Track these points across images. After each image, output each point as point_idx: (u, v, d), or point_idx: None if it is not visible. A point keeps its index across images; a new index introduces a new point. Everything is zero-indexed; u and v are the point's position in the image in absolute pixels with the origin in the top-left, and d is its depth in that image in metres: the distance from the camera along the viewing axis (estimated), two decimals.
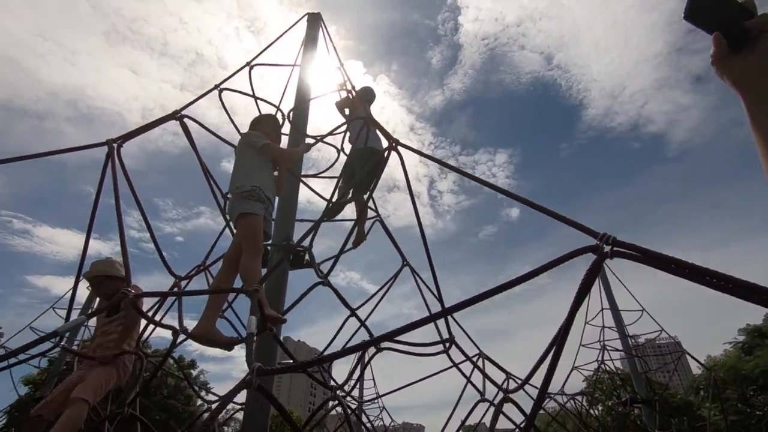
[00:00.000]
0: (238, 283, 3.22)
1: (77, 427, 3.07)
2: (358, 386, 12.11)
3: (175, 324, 3.63)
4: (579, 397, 10.07)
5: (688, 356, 11.79)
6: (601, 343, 11.08)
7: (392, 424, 14.60)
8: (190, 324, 3.63)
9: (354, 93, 5.85)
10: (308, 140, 4.89)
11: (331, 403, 4.67)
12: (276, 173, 3.91)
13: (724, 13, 0.96)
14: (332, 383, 4.15)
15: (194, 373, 31.13)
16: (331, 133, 5.19)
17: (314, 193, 5.53)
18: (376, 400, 12.67)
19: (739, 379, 19.67)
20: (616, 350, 11.02)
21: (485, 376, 4.30)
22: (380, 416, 14.01)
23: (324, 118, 6.20)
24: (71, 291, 3.46)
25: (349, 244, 5.21)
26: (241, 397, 4.34)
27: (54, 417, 3.16)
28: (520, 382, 3.53)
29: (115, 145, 3.23)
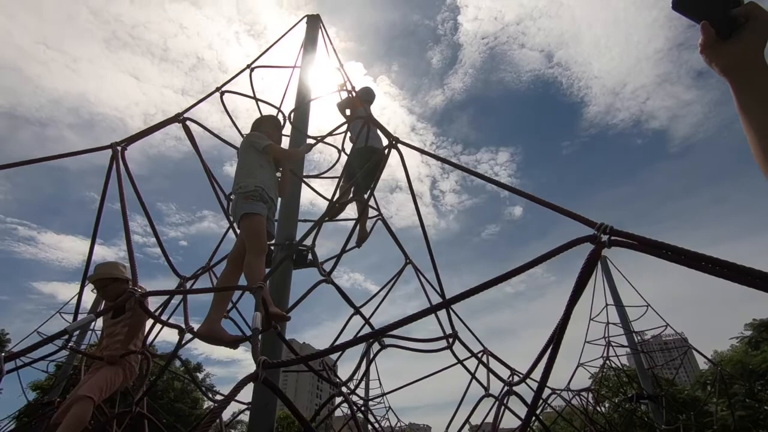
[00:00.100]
0: (242, 282, 3.27)
1: (82, 425, 3.09)
2: (363, 385, 12.15)
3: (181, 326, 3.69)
4: (585, 394, 10.05)
5: (694, 352, 11.76)
6: (606, 340, 11.07)
7: (398, 424, 14.61)
8: (195, 326, 3.69)
9: (354, 93, 5.89)
10: (309, 141, 4.93)
11: (337, 400, 4.70)
12: (279, 174, 3.96)
13: (712, 3, 0.99)
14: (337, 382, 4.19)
15: (200, 376, 31.20)
16: (331, 134, 5.23)
17: (316, 194, 5.57)
18: (382, 401, 12.71)
19: (747, 374, 19.56)
20: (622, 346, 11.00)
21: (489, 370, 4.32)
22: (386, 416, 14.03)
23: (325, 118, 6.24)
24: (77, 295, 3.52)
25: (353, 244, 5.26)
26: (248, 396, 4.37)
27: None
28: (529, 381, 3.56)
29: (119, 148, 3.28)
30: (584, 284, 1.84)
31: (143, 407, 3.83)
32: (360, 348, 5.00)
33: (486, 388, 4.36)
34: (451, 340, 4.23)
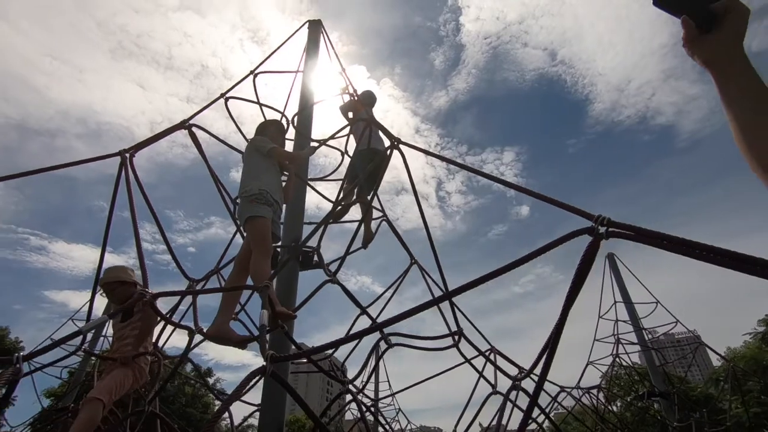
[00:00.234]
0: (249, 283, 3.32)
1: (92, 426, 3.08)
2: (373, 387, 12.16)
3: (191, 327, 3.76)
4: (594, 391, 10.00)
5: (707, 349, 11.65)
6: (616, 337, 11.00)
7: (409, 426, 14.59)
8: (205, 328, 3.74)
9: (356, 96, 5.96)
10: (312, 144, 5.00)
11: (346, 400, 4.74)
12: (285, 177, 4.02)
13: None
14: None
15: (210, 380, 31.40)
16: (333, 137, 5.30)
17: (321, 197, 5.65)
18: (392, 402, 12.71)
19: (761, 371, 19.26)
20: (631, 343, 10.93)
21: (497, 368, 4.34)
22: (396, 418, 14.02)
23: (328, 122, 6.31)
24: (89, 302, 3.59)
25: (359, 244, 5.31)
26: (257, 398, 4.43)
27: None
28: (532, 375, 3.57)
29: (127, 155, 3.36)
30: (584, 276, 1.87)
31: (155, 408, 3.89)
32: (367, 349, 5.05)
33: (493, 386, 4.37)
34: (456, 337, 4.26)
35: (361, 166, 4.85)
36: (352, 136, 5.91)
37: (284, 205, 3.97)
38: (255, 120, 5.36)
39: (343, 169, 6.02)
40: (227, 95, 5.18)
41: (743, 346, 23.88)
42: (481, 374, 4.74)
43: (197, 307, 3.68)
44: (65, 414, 6.58)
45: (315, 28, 6.18)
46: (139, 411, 3.80)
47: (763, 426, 16.11)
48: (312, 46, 5.97)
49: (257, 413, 4.55)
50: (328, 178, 6.17)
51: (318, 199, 5.62)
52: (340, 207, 5.01)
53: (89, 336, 6.12)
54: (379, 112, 5.87)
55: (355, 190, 5.22)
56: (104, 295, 3.94)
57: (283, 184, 3.96)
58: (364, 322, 4.87)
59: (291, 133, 5.52)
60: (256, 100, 5.85)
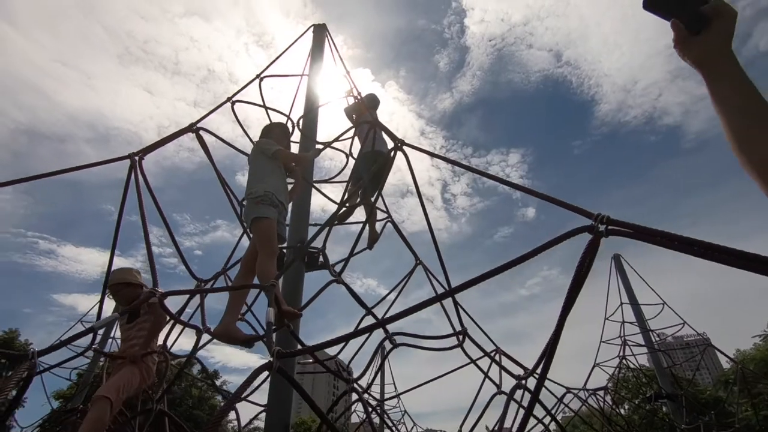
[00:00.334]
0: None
1: (102, 425, 3.07)
2: (378, 388, 12.19)
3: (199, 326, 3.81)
4: (601, 393, 9.94)
5: (717, 351, 11.54)
6: (622, 339, 10.93)
7: (414, 428, 14.57)
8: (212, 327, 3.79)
9: (361, 98, 6.02)
10: (317, 146, 5.06)
11: (352, 400, 4.77)
12: (290, 179, 4.08)
13: (681, 1, 1.06)
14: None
15: (217, 383, 31.55)
16: (337, 139, 5.36)
17: (326, 198, 5.70)
18: (397, 404, 12.70)
19: None
20: (638, 345, 10.86)
21: (502, 368, 4.36)
22: (402, 421, 14.01)
23: (333, 125, 6.39)
24: (99, 303, 3.65)
25: (365, 245, 5.36)
26: (262, 399, 4.48)
27: None
28: (536, 375, 3.59)
29: (137, 158, 3.43)
30: (585, 273, 1.90)
31: (164, 406, 3.94)
32: (372, 350, 5.08)
33: (498, 386, 4.39)
34: (461, 337, 4.29)
35: (365, 168, 4.90)
36: (356, 139, 5.97)
37: (290, 206, 4.03)
38: (261, 123, 5.44)
39: (347, 172, 6.08)
40: (234, 99, 5.25)
41: (753, 348, 23.63)
42: (486, 375, 4.76)
43: (205, 307, 3.74)
44: (74, 415, 6.66)
45: (320, 32, 6.26)
46: (147, 410, 3.85)
47: None
48: (317, 50, 6.05)
49: (263, 415, 4.61)
50: (333, 180, 6.23)
51: (323, 202, 5.69)
52: (344, 209, 5.07)
53: (98, 338, 6.20)
54: (384, 115, 5.96)
55: (360, 192, 5.28)
56: (110, 296, 4.00)
57: (289, 187, 4.03)
58: (370, 323, 4.91)
59: (296, 136, 5.60)
60: (262, 104, 5.92)
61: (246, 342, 3.16)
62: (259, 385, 4.11)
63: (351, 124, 5.90)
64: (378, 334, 5.02)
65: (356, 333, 1.90)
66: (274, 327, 2.25)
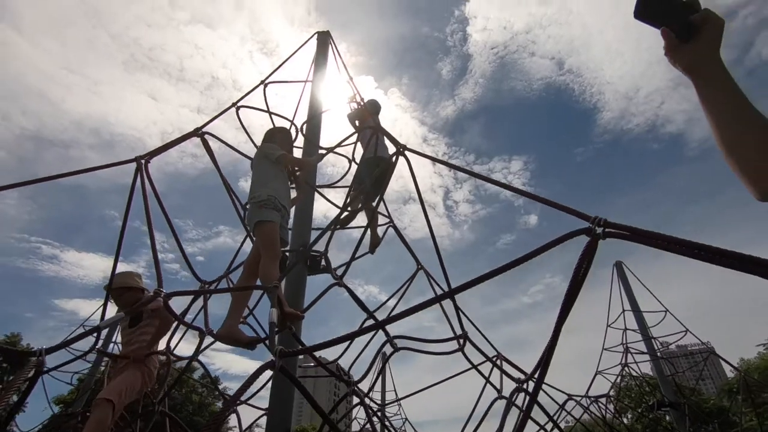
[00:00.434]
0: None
1: (104, 428, 3.05)
2: (378, 393, 12.14)
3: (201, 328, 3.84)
4: (603, 400, 9.88)
5: (721, 360, 11.47)
6: (624, 346, 10.89)
7: None
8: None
9: (363, 104, 6.10)
10: (321, 151, 5.13)
11: (353, 403, 4.78)
12: (293, 184, 4.14)
13: (671, 11, 1.10)
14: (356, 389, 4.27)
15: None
16: (339, 145, 5.42)
17: (329, 204, 5.75)
18: (398, 412, 12.64)
19: None
20: (640, 352, 10.81)
21: (503, 372, 4.37)
22: (404, 428, 13.93)
23: (336, 130, 6.45)
24: (102, 307, 3.67)
25: (367, 249, 5.39)
26: (263, 403, 4.48)
27: None
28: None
29: (143, 161, 3.49)
30: (583, 276, 1.93)
31: (165, 407, 3.96)
32: (374, 354, 5.10)
33: (499, 391, 4.39)
34: (462, 341, 4.30)
35: (368, 173, 4.95)
36: (359, 144, 6.03)
37: (292, 210, 4.07)
38: (264, 129, 5.51)
39: (350, 177, 6.13)
40: (239, 104, 5.33)
41: (757, 357, 23.42)
42: (487, 380, 4.76)
43: (208, 309, 3.77)
44: (75, 419, 6.66)
45: (324, 39, 6.35)
46: (149, 411, 3.87)
47: None
48: (320, 57, 6.13)
49: (263, 420, 4.62)
50: (336, 185, 6.28)
51: (325, 209, 5.75)
52: (347, 213, 5.11)
53: (101, 340, 6.23)
54: (386, 122, 6.02)
55: (362, 197, 5.32)
56: (113, 301, 4.01)
57: (292, 193, 4.08)
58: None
59: (299, 141, 5.66)
60: (266, 109, 6.00)
61: (248, 344, 3.18)
62: (261, 388, 4.12)
63: (354, 130, 5.96)
64: (379, 340, 5.05)
65: (357, 333, 1.92)
66: (276, 328, 2.28)
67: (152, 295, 2.64)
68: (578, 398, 9.13)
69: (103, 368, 10.64)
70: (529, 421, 4.28)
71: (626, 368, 10.93)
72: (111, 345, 10.70)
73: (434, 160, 3.45)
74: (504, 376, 4.58)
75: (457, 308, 4.26)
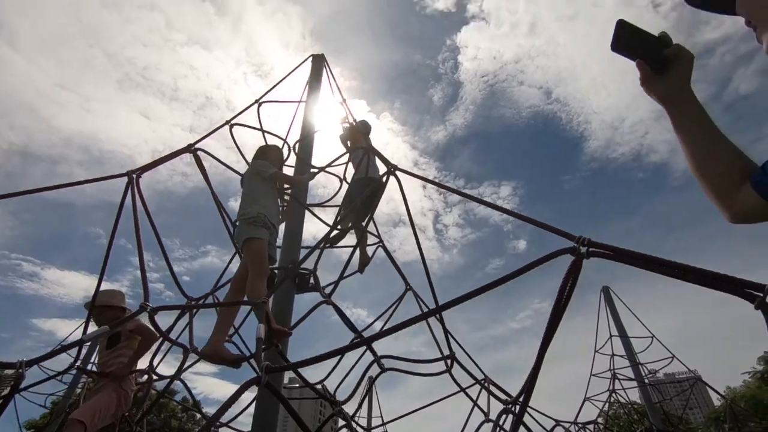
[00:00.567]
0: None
1: None
2: (365, 418, 11.84)
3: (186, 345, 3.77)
4: (590, 427, 9.78)
5: (708, 388, 11.50)
6: (612, 372, 10.87)
7: None
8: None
9: (355, 124, 6.21)
10: (312, 170, 5.17)
11: (340, 424, 4.68)
12: (283, 202, 4.16)
13: (646, 45, 1.19)
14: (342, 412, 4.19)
15: (197, 416, 30.34)
16: (331, 164, 5.48)
17: (320, 223, 5.76)
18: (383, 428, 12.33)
19: (762, 410, 18.88)
20: (628, 379, 10.79)
21: (491, 394, 4.34)
22: None
23: (328, 150, 6.54)
24: (84, 324, 3.57)
25: (356, 268, 5.38)
26: (246, 428, 4.37)
27: None
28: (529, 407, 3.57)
29: (134, 175, 3.49)
30: (568, 295, 1.97)
31: (143, 427, 3.83)
32: (360, 375, 5.02)
33: (486, 414, 4.35)
34: (449, 362, 4.27)
35: (358, 192, 5.00)
36: (350, 164, 6.09)
37: (282, 227, 4.07)
38: (257, 148, 5.60)
39: (341, 197, 6.17)
40: (232, 122, 5.38)
41: (743, 385, 23.49)
42: (475, 402, 4.71)
43: (193, 326, 3.71)
44: None
45: (318, 61, 6.49)
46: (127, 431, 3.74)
47: None
48: (315, 78, 6.26)
49: None
50: (327, 204, 6.31)
51: (316, 229, 5.78)
52: (336, 231, 5.12)
53: (82, 356, 6.03)
54: (378, 145, 6.12)
55: (352, 217, 5.35)
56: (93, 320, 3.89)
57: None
58: (359, 351, 4.86)
59: (291, 160, 5.71)
60: (259, 128, 6.06)
61: (234, 362, 3.14)
62: (242, 412, 4.01)
63: (345, 150, 6.04)
64: (365, 362, 4.99)
65: (345, 349, 1.92)
66: (263, 344, 2.26)
67: (138, 309, 2.60)
68: (567, 425, 9.02)
69: (79, 390, 10.27)
70: None
71: (614, 394, 10.88)
72: (90, 364, 10.38)
73: (424, 179, 3.51)
74: (491, 400, 4.56)
75: (444, 328, 4.25)
